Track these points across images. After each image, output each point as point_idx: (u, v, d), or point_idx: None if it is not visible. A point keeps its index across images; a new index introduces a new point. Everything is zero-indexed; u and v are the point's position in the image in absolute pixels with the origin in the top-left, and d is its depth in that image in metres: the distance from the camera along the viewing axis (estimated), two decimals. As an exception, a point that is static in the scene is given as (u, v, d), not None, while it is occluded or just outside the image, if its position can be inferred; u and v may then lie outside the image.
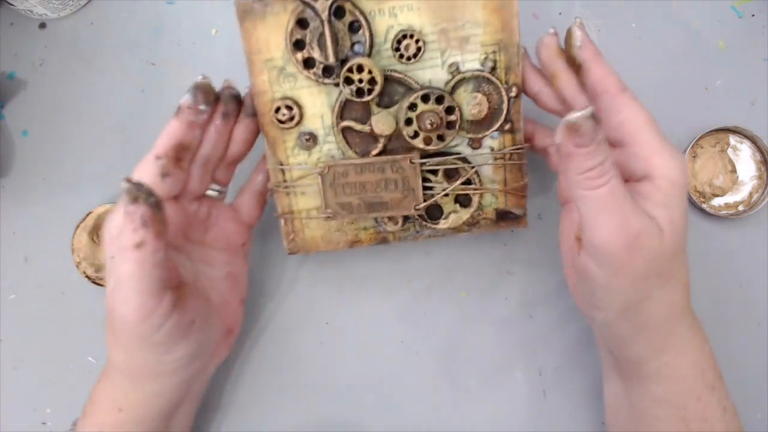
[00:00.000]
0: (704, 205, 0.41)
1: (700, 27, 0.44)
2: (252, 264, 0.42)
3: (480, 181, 0.37)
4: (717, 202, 0.42)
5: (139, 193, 0.28)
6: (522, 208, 0.38)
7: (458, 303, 0.42)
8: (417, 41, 0.34)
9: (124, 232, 0.29)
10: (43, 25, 0.47)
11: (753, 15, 0.44)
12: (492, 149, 0.36)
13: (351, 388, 0.42)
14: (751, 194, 0.42)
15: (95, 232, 0.42)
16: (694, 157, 0.42)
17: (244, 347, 0.42)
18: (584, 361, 0.41)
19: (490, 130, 0.36)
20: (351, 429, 0.41)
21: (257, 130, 0.36)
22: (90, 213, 0.42)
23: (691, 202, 0.42)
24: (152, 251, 0.29)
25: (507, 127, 0.36)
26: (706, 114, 0.43)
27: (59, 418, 0.42)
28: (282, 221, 0.38)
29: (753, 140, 0.42)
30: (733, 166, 0.42)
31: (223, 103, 0.35)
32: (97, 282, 0.42)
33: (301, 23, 0.34)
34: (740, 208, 0.42)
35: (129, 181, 0.28)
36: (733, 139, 0.42)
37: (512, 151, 0.36)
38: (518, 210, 0.38)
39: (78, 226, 0.42)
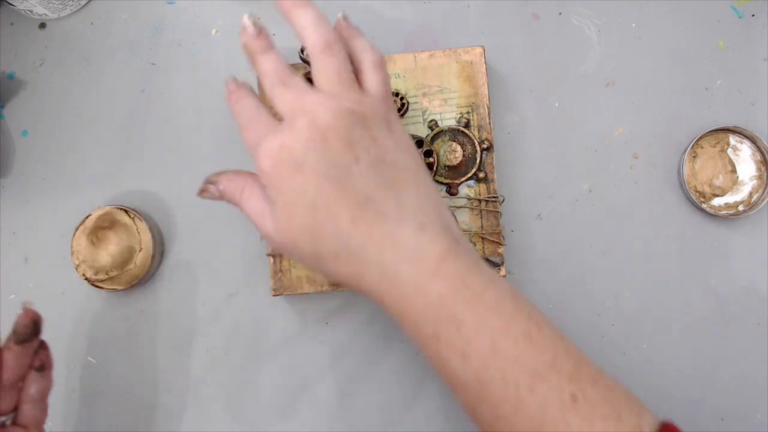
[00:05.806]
0: (704, 205, 0.41)
1: (700, 27, 0.44)
2: (252, 263, 0.43)
3: (457, 222, 0.39)
4: (717, 202, 0.42)
5: None
6: (500, 256, 0.40)
7: (458, 303, 0.42)
8: (401, 98, 0.40)
9: None
10: (43, 25, 0.47)
11: (753, 15, 0.44)
12: (468, 197, 0.40)
13: (351, 388, 0.42)
14: (751, 194, 0.42)
15: (94, 234, 0.42)
16: (694, 157, 0.42)
17: (245, 348, 0.42)
18: (584, 361, 0.41)
19: (466, 177, 0.40)
20: (351, 429, 0.41)
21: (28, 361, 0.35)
22: (89, 215, 0.42)
23: (691, 202, 0.42)
24: None
25: (481, 175, 0.40)
26: (706, 114, 0.43)
27: (59, 418, 0.42)
28: (271, 259, 0.40)
29: (753, 140, 0.42)
30: (733, 166, 0.42)
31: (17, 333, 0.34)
32: (96, 285, 0.42)
33: (309, 81, 0.39)
34: (740, 208, 0.42)
35: None
36: (733, 139, 0.42)
37: (487, 199, 0.40)
38: (496, 258, 0.40)
39: (77, 229, 0.42)
